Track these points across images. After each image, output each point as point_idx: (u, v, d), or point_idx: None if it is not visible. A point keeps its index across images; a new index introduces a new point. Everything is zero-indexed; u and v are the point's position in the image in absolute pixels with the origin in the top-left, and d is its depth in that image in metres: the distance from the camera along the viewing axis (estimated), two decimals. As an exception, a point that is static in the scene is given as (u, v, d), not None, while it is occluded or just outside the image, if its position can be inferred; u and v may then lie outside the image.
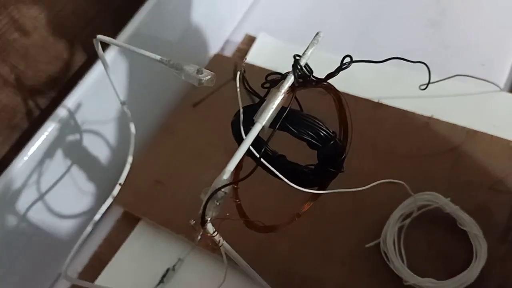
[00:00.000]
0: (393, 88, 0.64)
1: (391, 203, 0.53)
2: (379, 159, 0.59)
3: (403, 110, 0.61)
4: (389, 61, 0.36)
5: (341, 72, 0.33)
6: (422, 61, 0.69)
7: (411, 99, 0.61)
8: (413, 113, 0.61)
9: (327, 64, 0.34)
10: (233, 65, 0.71)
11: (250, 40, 0.78)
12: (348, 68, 0.32)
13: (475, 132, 0.58)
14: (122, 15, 0.67)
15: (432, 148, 0.58)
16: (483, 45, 0.68)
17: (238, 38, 0.79)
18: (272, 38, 0.77)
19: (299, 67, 0.31)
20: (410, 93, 0.63)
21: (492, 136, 0.57)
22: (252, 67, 0.71)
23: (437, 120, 0.59)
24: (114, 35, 0.63)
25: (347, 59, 0.31)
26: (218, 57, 0.75)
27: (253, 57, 0.75)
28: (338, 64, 0.32)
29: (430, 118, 0.60)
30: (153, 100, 0.69)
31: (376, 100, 0.63)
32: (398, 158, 0.58)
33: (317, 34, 0.31)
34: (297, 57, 0.31)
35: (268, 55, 0.75)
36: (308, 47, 0.31)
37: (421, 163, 0.57)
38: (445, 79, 0.58)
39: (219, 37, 0.79)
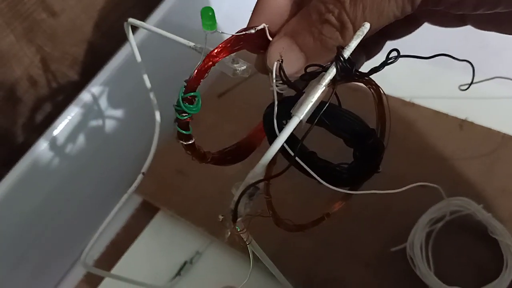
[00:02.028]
0: (426, 87, 0.62)
1: (420, 207, 0.52)
2: (409, 160, 0.57)
3: (436, 111, 0.59)
4: (424, 63, 0.35)
5: (377, 75, 0.31)
6: (459, 62, 0.67)
7: (445, 99, 0.59)
8: (446, 115, 0.59)
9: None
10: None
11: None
12: (383, 70, 0.30)
13: (511, 138, 0.55)
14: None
15: (465, 152, 0.56)
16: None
17: (267, 29, 0.77)
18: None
19: (342, 59, 0.29)
20: (444, 93, 0.60)
21: (529, 142, 0.55)
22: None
23: (471, 123, 0.57)
24: (142, 19, 0.61)
25: (394, 53, 0.29)
26: (245, 48, 0.74)
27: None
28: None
29: (464, 120, 0.58)
30: (178, 88, 0.68)
31: (408, 100, 0.61)
32: (429, 160, 0.56)
33: (363, 25, 0.29)
34: (341, 49, 0.29)
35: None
36: (353, 38, 0.29)
37: (453, 167, 0.55)
38: (485, 80, 0.56)
39: (244, 22, 0.78)
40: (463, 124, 0.57)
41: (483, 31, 0.45)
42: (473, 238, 0.51)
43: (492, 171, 0.54)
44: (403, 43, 0.69)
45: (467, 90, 0.57)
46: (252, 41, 0.33)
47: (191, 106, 0.31)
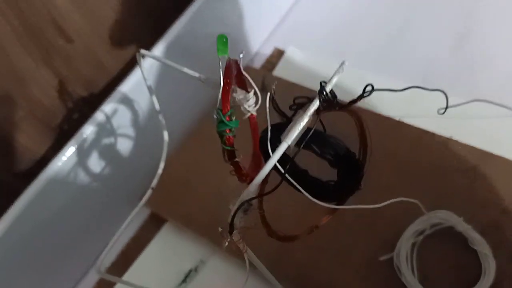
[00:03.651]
0: (414, 108, 0.66)
1: (407, 219, 0.56)
2: (398, 175, 0.61)
3: (423, 130, 0.64)
4: (412, 80, 0.39)
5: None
6: (444, 80, 0.72)
7: (431, 119, 0.63)
8: (432, 133, 0.63)
9: (352, 78, 0.36)
10: (261, 77, 0.74)
11: (278, 53, 0.81)
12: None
13: (491, 155, 0.60)
14: (160, 23, 0.71)
15: (449, 168, 0.60)
16: (506, 66, 0.70)
17: (267, 51, 0.82)
18: (300, 52, 0.80)
19: (324, 93, 0.33)
20: (431, 113, 0.64)
21: (507, 159, 0.59)
22: (279, 80, 0.75)
23: (455, 141, 0.61)
24: (152, 42, 0.67)
25: (369, 88, 0.34)
26: (247, 69, 0.78)
27: (281, 70, 0.78)
28: (361, 78, 0.34)
29: (448, 139, 0.62)
30: (185, 106, 0.73)
31: (397, 118, 0.65)
32: (416, 175, 0.61)
33: (342, 63, 0.34)
34: (323, 84, 0.34)
35: (296, 68, 0.78)
36: (333, 75, 0.34)
37: (438, 181, 0.60)
38: (463, 103, 0.60)
39: (248, 50, 0.83)
40: (448, 142, 0.62)
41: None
42: (454, 248, 0.55)
43: (474, 186, 0.58)
44: (396, 60, 0.75)
45: (452, 111, 0.62)
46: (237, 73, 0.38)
47: (232, 121, 0.36)
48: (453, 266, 0.54)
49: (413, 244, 0.55)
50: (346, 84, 0.36)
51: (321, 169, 0.41)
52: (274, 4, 0.87)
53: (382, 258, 0.55)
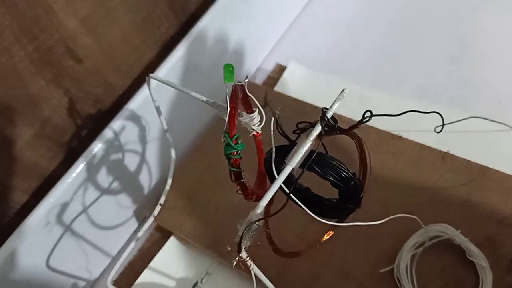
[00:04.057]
0: (412, 124, 0.68)
1: (406, 233, 0.58)
2: (397, 189, 0.63)
3: (421, 144, 0.66)
4: (410, 97, 0.41)
5: (364, 105, 0.37)
6: (440, 94, 0.74)
7: (429, 133, 0.65)
8: (430, 148, 0.65)
9: (353, 93, 0.38)
10: (263, 93, 0.76)
11: (280, 69, 0.83)
12: (372, 102, 0.36)
13: (488, 169, 0.62)
14: (166, 43, 0.73)
15: (447, 182, 0.62)
16: (501, 83, 0.72)
17: (269, 67, 0.84)
18: (302, 67, 0.82)
19: (326, 118, 0.36)
20: (429, 128, 0.66)
21: (503, 173, 0.61)
22: (281, 95, 0.77)
23: (453, 156, 0.63)
24: (158, 61, 0.69)
25: (368, 114, 0.36)
26: (250, 85, 0.80)
27: (283, 86, 0.80)
28: (362, 95, 0.37)
29: (445, 153, 0.64)
30: (190, 123, 0.75)
31: (396, 133, 0.67)
32: (415, 189, 0.62)
33: (342, 91, 0.36)
34: (324, 110, 0.36)
35: (298, 84, 0.80)
36: (334, 102, 0.36)
37: (436, 195, 0.62)
38: (459, 120, 0.63)
39: (251, 65, 0.85)
40: (445, 156, 0.64)
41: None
42: (453, 261, 0.57)
43: (471, 199, 0.60)
44: (395, 77, 0.77)
45: (449, 126, 0.64)
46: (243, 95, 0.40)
47: (238, 145, 0.38)
48: (451, 277, 0.56)
49: (413, 257, 0.57)
50: (348, 100, 0.38)
51: (322, 185, 0.42)
52: (275, 20, 0.89)
53: (382, 270, 0.57)
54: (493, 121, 0.63)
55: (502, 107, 0.70)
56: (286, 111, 0.40)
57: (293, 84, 0.80)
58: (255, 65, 0.86)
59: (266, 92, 0.77)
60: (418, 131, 0.67)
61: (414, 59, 0.79)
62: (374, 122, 0.68)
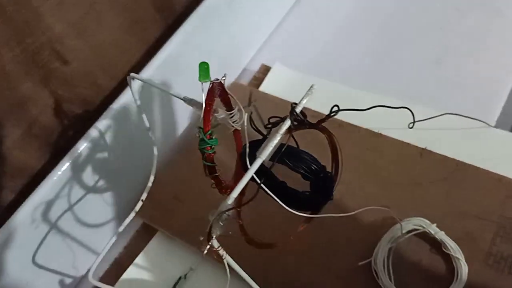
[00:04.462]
0: (391, 120, 0.69)
1: (384, 226, 0.59)
2: (378, 185, 0.64)
3: (400, 141, 0.67)
4: (391, 95, 0.42)
5: (346, 105, 0.39)
6: (422, 95, 0.76)
7: (408, 130, 0.66)
8: (408, 144, 0.66)
9: (339, 94, 0.39)
10: (248, 93, 0.78)
11: (265, 70, 0.84)
12: (353, 101, 0.37)
13: (465, 165, 0.63)
14: (152, 45, 0.75)
15: (424, 177, 0.64)
16: (480, 84, 0.74)
17: (255, 68, 0.86)
18: (286, 68, 0.83)
19: (295, 113, 0.37)
20: (406, 125, 0.68)
21: (479, 168, 0.62)
22: (265, 95, 0.78)
23: (430, 152, 0.65)
24: (144, 62, 0.70)
25: (335, 108, 0.37)
26: (235, 85, 0.82)
27: (267, 86, 0.81)
28: (347, 94, 0.38)
29: (423, 149, 0.65)
30: (173, 123, 0.76)
31: (376, 131, 0.69)
32: (394, 184, 0.64)
33: (311, 86, 0.37)
34: (294, 105, 0.37)
35: (282, 84, 0.81)
36: (303, 97, 0.37)
37: (414, 190, 0.63)
38: (433, 117, 0.64)
39: (237, 66, 0.87)
40: (423, 152, 0.65)
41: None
42: (429, 253, 0.58)
43: (448, 193, 0.62)
44: (379, 77, 0.78)
45: (428, 123, 0.66)
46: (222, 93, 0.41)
47: (212, 140, 0.39)
48: (428, 270, 0.57)
49: (390, 250, 0.58)
50: (333, 99, 0.39)
51: (300, 181, 0.44)
52: (261, 22, 0.91)
53: (361, 264, 0.59)
54: (468, 117, 0.65)
55: (480, 106, 0.71)
56: (270, 110, 0.41)
57: (278, 85, 0.81)
58: (241, 66, 0.88)
59: (250, 92, 0.78)
60: (397, 129, 0.69)
61: (400, 62, 0.81)
62: (356, 121, 0.70)
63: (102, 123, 0.64)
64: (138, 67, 0.72)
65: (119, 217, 0.72)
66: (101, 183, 0.66)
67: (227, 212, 0.35)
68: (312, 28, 0.91)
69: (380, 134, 0.69)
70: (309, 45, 0.88)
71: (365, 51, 0.84)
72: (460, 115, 0.65)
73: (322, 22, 0.91)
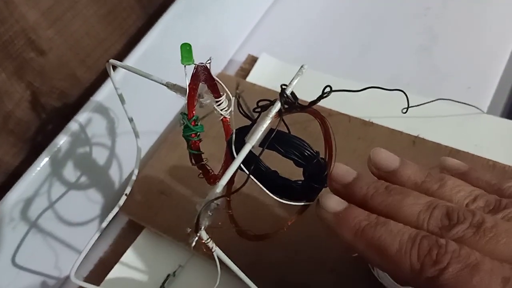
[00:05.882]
0: (382, 108, 0.68)
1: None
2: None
3: (392, 129, 0.65)
4: (380, 84, 0.41)
5: (337, 93, 0.37)
6: (411, 83, 0.74)
7: (400, 118, 0.65)
8: (400, 132, 0.65)
9: (328, 83, 0.37)
10: (235, 83, 0.76)
11: (252, 60, 0.82)
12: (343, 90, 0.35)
13: (458, 151, 0.62)
14: (133, 36, 0.72)
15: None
16: (470, 70, 0.73)
17: (241, 58, 0.84)
18: (273, 59, 0.81)
19: (285, 95, 0.35)
20: (399, 113, 0.66)
21: (473, 155, 0.61)
22: (253, 86, 0.76)
23: (423, 139, 0.63)
24: (125, 54, 0.67)
25: (328, 89, 0.35)
26: (222, 76, 0.80)
27: (254, 77, 0.79)
28: (336, 82, 0.36)
29: (416, 137, 0.64)
30: (158, 115, 0.74)
31: (367, 119, 0.67)
32: (386, 174, 0.62)
33: (301, 66, 0.35)
34: (284, 86, 0.35)
35: (269, 74, 0.79)
36: (293, 78, 0.35)
37: (408, 179, 0.61)
38: (426, 103, 0.63)
39: (223, 57, 0.84)
40: (416, 140, 0.64)
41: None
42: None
43: (442, 182, 0.60)
44: (367, 66, 0.77)
45: (419, 110, 0.64)
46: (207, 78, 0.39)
47: (197, 126, 0.37)
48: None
49: (385, 241, 0.56)
50: (321, 89, 0.37)
51: (293, 170, 0.42)
52: (247, 12, 0.88)
53: (355, 255, 0.57)
54: (461, 102, 0.63)
55: (472, 92, 0.70)
56: (256, 101, 0.39)
57: (265, 75, 0.79)
58: (227, 56, 0.86)
59: (237, 82, 0.76)
60: (388, 117, 0.68)
61: (385, 49, 0.80)
62: (346, 110, 0.69)
63: (83, 116, 0.62)
64: (117, 58, 0.69)
65: (103, 214, 0.69)
66: (83, 179, 0.64)
67: (216, 201, 0.33)
68: (297, 18, 0.89)
69: (372, 122, 0.67)
70: (295, 35, 0.86)
71: (351, 40, 0.82)
72: (453, 101, 0.63)
73: (307, 11, 0.89)
